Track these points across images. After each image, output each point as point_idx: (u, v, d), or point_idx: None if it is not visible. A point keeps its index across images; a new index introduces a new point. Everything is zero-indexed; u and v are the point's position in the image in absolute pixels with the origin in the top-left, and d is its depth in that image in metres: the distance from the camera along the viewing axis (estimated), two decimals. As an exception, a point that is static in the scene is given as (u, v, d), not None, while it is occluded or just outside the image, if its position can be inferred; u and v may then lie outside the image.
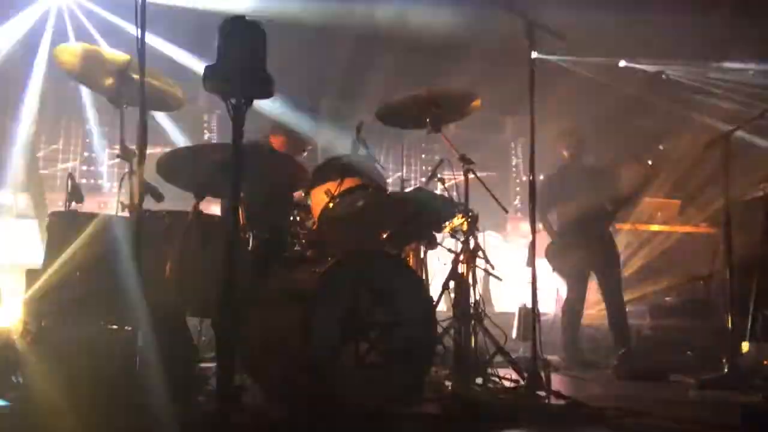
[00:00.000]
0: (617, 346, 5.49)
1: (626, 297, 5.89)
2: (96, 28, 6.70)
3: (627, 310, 5.82)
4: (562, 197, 5.77)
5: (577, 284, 5.74)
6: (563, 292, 6.05)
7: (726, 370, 4.72)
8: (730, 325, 4.78)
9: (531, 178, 3.82)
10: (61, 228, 3.38)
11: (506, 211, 4.58)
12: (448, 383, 3.76)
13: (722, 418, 3.38)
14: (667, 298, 6.43)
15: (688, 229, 6.79)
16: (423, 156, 8.44)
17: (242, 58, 2.25)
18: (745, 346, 4.95)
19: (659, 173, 5.66)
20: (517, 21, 3.83)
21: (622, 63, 7.63)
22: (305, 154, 4.81)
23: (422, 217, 4.07)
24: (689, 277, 6.29)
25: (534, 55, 3.83)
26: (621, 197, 5.70)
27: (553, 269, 5.82)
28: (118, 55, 3.54)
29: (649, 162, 5.46)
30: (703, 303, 6.14)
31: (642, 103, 7.65)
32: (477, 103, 4.34)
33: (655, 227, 6.68)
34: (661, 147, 5.11)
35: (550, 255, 5.81)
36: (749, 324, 5.01)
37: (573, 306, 5.72)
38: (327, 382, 3.08)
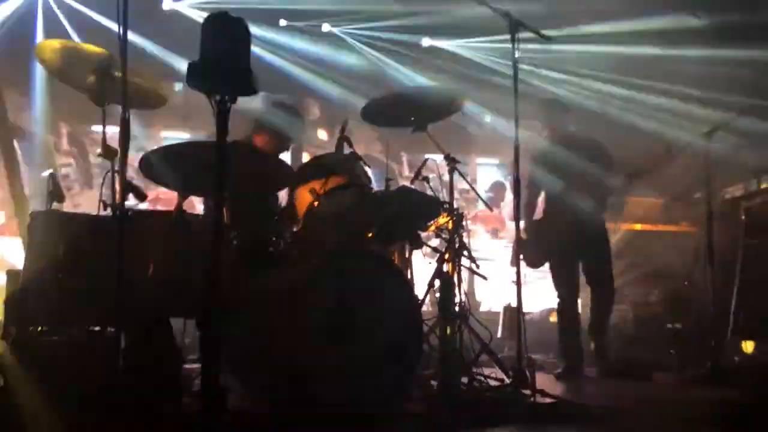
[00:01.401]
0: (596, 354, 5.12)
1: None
2: (79, 26, 6.62)
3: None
4: (549, 177, 5.12)
5: (567, 278, 5.16)
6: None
7: (709, 368, 4.77)
8: (712, 322, 4.83)
9: (515, 175, 3.83)
10: (42, 228, 3.33)
11: (491, 209, 4.58)
12: (433, 383, 3.75)
13: (704, 415, 3.40)
14: (650, 296, 6.47)
15: (670, 228, 6.84)
16: (407, 155, 8.42)
17: (226, 54, 2.23)
18: (749, 345, 5.00)
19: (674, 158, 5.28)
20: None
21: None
22: (288, 152, 4.76)
23: (407, 215, 4.06)
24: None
25: (517, 54, 3.84)
26: (638, 169, 5.14)
27: (528, 264, 5.15)
28: (99, 52, 3.50)
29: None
30: (685, 301, 6.19)
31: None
32: (462, 101, 4.35)
33: (637, 226, 6.72)
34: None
35: (523, 247, 4.90)
36: (731, 321, 5.06)
37: (566, 304, 5.16)
38: (312, 383, 3.06)
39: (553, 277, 5.23)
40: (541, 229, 5.23)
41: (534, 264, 5.17)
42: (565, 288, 5.17)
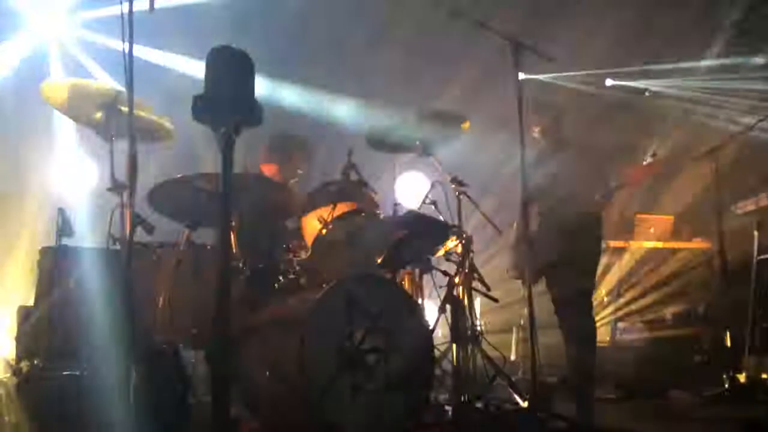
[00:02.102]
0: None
1: (620, 313, 5.72)
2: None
3: (622, 326, 5.68)
4: (540, 187, 4.32)
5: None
6: None
7: (726, 385, 4.70)
8: (728, 340, 4.77)
9: (523, 199, 3.81)
10: (52, 263, 3.35)
11: (500, 232, 4.55)
12: (447, 408, 3.71)
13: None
14: (664, 313, 6.40)
15: (682, 244, 6.78)
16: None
17: (230, 87, 2.25)
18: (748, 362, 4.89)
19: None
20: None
21: (609, 82, 7.65)
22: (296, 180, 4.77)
23: (416, 240, 4.05)
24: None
25: (521, 76, 3.84)
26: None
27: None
28: (106, 88, 3.55)
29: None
30: (700, 318, 6.12)
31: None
32: (467, 124, 4.35)
33: (648, 244, 6.67)
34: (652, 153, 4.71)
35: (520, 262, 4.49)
36: (748, 338, 4.99)
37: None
38: (323, 412, 3.04)
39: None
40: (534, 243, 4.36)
41: (532, 279, 4.83)
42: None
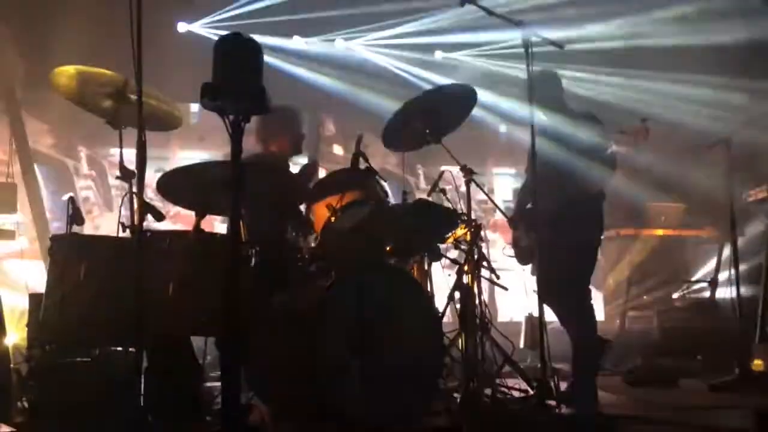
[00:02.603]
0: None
1: (631, 302, 5.71)
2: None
3: (632, 315, 5.67)
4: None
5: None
6: None
7: (737, 373, 4.69)
8: (739, 328, 4.75)
9: (533, 182, 3.79)
10: (63, 251, 3.37)
11: (509, 220, 4.54)
12: (456, 395, 3.72)
13: (735, 423, 3.33)
14: (675, 302, 6.40)
15: (693, 232, 6.76)
16: (423, 168, 8.40)
17: (238, 74, 2.25)
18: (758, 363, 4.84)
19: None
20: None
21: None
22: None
23: (425, 228, 4.05)
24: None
25: (532, 68, 3.80)
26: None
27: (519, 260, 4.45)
28: (115, 77, 3.55)
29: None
30: (711, 306, 6.10)
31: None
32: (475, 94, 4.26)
33: (660, 232, 6.65)
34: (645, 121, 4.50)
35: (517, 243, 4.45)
36: (758, 326, 4.97)
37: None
38: (333, 400, 3.05)
39: None
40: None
41: (523, 260, 4.47)
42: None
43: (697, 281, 6.72)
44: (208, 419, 3.13)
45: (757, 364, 4.73)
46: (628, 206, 6.75)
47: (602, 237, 4.42)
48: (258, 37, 2.42)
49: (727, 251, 5.71)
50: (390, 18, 7.28)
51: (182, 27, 7.28)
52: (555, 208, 4.00)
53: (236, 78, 2.24)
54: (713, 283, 6.39)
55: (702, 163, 6.29)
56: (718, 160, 5.32)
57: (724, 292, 5.96)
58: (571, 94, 5.16)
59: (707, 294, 6.41)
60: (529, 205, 4.30)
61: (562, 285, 4.02)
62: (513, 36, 3.82)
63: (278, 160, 4.47)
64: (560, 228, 4.01)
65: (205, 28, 7.22)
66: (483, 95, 6.21)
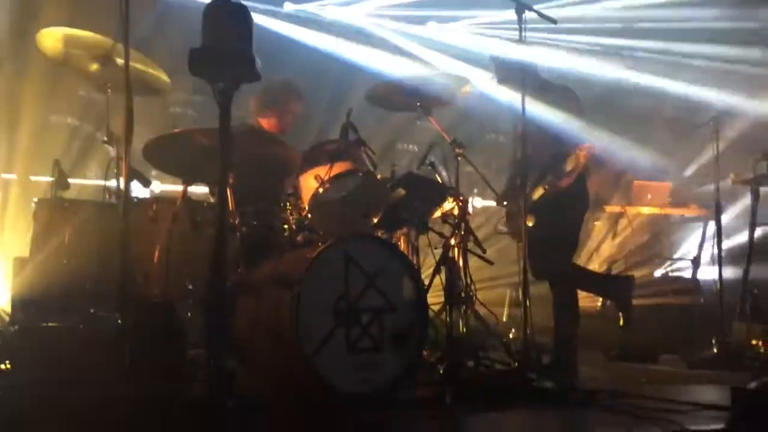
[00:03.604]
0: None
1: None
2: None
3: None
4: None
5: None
6: None
7: (716, 350, 4.77)
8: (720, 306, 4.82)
9: (522, 154, 3.81)
10: (48, 215, 3.34)
11: (498, 195, 4.55)
12: (440, 367, 3.75)
13: (713, 398, 3.39)
14: (656, 278, 6.46)
15: (678, 211, 6.80)
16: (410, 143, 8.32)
17: (228, 41, 2.22)
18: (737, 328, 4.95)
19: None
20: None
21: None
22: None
23: (413, 201, 4.05)
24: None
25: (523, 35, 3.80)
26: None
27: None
28: (102, 40, 3.49)
29: None
30: (692, 283, 6.17)
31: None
32: (468, 88, 4.33)
33: (645, 210, 6.69)
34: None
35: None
36: (739, 304, 5.04)
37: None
38: (318, 369, 3.07)
39: None
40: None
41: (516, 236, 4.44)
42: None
43: (679, 259, 6.78)
44: (193, 386, 3.14)
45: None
46: (614, 182, 6.79)
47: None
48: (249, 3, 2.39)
49: (711, 230, 5.77)
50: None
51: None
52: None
53: (226, 45, 2.21)
54: (696, 262, 6.46)
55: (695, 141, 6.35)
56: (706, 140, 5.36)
57: (707, 271, 6.04)
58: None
59: (689, 273, 6.49)
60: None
61: (550, 261, 4.18)
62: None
63: (263, 131, 4.48)
64: (550, 206, 4.16)
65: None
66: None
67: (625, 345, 5.20)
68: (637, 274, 6.38)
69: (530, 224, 4.05)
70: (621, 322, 4.49)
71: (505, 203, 4.55)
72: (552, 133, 4.22)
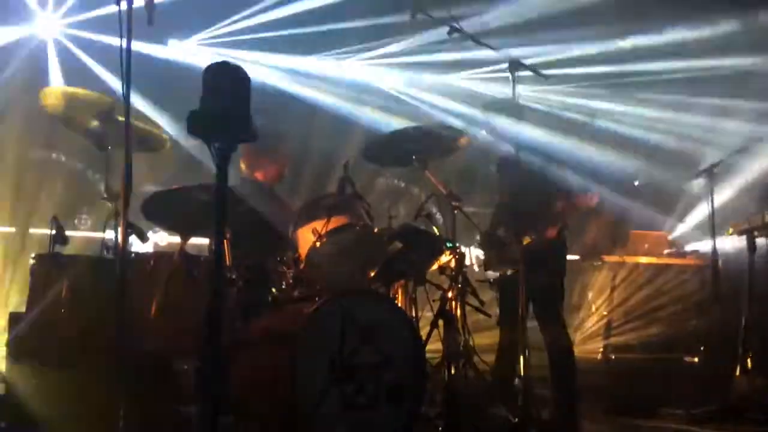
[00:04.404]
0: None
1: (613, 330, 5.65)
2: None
3: (614, 342, 5.64)
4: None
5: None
6: None
7: (718, 404, 4.71)
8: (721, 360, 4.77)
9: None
10: (45, 271, 3.35)
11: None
12: (439, 423, 3.71)
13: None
14: (656, 331, 6.41)
15: (676, 261, 6.80)
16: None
17: (225, 102, 2.26)
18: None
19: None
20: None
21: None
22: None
23: (410, 254, 4.06)
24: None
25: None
26: None
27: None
28: (102, 98, 3.56)
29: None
30: (693, 336, 6.12)
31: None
32: (464, 140, 4.36)
33: (642, 259, 6.69)
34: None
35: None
36: (739, 358, 4.99)
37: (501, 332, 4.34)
38: (314, 426, 3.04)
39: None
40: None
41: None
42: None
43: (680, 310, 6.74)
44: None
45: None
46: (612, 232, 6.81)
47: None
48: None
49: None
50: (377, 38, 7.30)
51: (173, 44, 7.23)
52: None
53: (223, 106, 2.25)
54: (696, 313, 6.41)
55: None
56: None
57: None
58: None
59: (690, 323, 6.44)
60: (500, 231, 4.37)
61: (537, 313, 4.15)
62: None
63: (263, 186, 4.52)
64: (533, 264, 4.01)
65: (199, 45, 7.18)
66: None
67: (624, 397, 5.14)
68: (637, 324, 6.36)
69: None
70: None
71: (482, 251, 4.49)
72: (540, 178, 4.20)
